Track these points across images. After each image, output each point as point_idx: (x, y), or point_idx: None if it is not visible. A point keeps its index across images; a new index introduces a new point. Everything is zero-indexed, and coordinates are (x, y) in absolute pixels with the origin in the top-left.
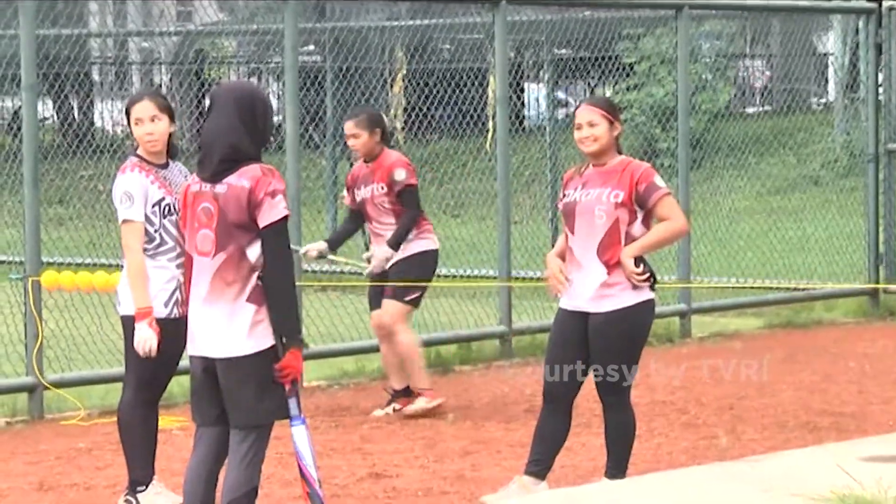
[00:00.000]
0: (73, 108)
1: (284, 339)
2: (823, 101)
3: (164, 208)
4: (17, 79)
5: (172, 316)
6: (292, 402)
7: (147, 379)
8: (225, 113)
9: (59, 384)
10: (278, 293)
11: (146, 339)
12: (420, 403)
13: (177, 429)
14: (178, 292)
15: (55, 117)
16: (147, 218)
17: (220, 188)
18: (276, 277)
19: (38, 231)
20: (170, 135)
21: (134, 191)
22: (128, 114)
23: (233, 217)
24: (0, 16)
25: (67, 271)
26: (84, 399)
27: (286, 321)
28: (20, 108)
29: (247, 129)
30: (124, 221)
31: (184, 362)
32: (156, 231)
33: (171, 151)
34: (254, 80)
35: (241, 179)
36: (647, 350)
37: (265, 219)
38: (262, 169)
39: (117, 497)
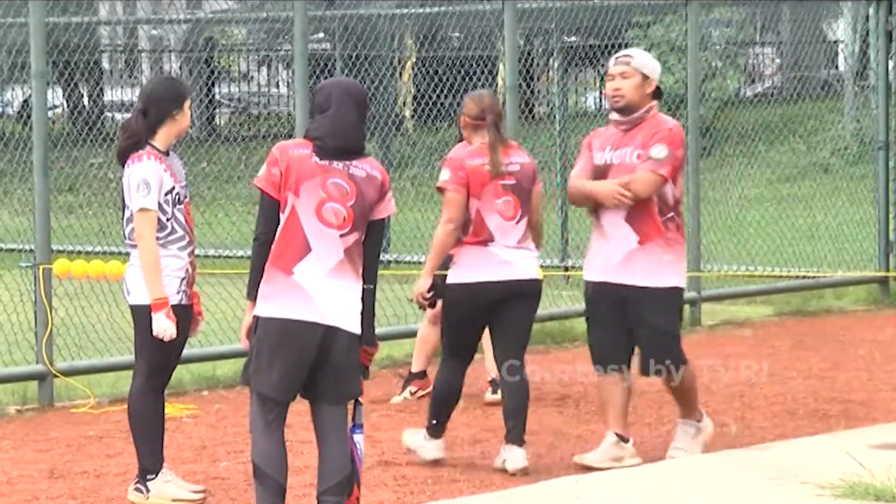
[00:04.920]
0: (82, 96)
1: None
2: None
3: (175, 197)
4: (26, 67)
5: (182, 303)
6: (360, 411)
7: (158, 366)
8: (346, 110)
9: (69, 372)
10: (374, 283)
11: (166, 329)
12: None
13: (187, 416)
14: (185, 280)
15: (65, 105)
16: (160, 206)
17: (356, 171)
18: (375, 267)
19: (48, 219)
20: None
21: (151, 179)
22: None
23: (368, 202)
24: (10, 4)
25: (79, 260)
26: (94, 387)
27: (374, 310)
28: (30, 96)
29: (362, 126)
30: (141, 209)
31: (192, 350)
32: (168, 220)
33: None
34: (263, 68)
35: (372, 169)
36: None
37: (384, 211)
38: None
39: (127, 485)
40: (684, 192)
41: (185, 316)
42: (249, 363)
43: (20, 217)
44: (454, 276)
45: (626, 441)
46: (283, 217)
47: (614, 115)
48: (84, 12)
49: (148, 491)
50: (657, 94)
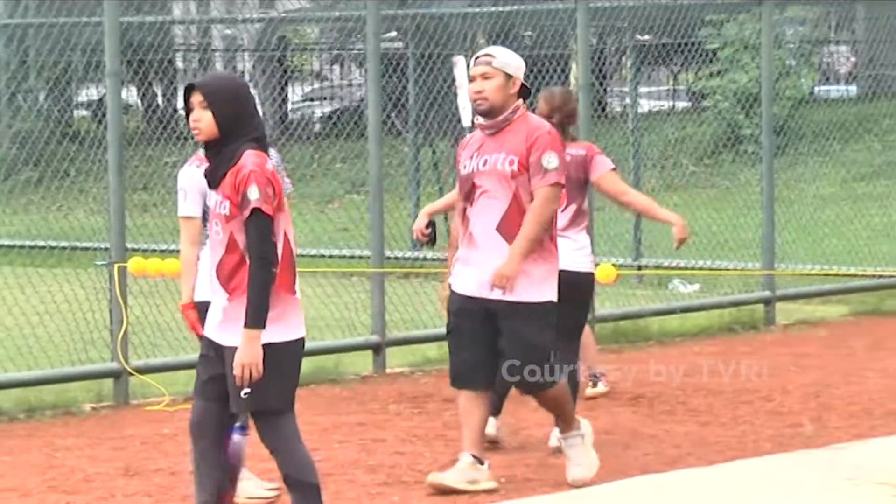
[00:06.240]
0: (156, 95)
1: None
2: None
3: None
4: (101, 66)
5: None
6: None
7: None
8: None
9: (144, 370)
10: None
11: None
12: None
13: None
14: None
15: (139, 104)
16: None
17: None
18: None
19: (123, 217)
20: None
21: (186, 186)
22: None
23: None
24: (85, 3)
25: (154, 258)
26: (169, 385)
27: None
28: (105, 95)
29: None
30: (180, 217)
31: None
32: None
33: None
34: (336, 66)
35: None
36: (731, 337)
37: None
38: None
39: None
40: (759, 190)
41: None
42: (269, 389)
43: (95, 216)
44: None
45: (482, 463)
46: (278, 237)
47: (479, 119)
48: (158, 12)
49: None
50: (524, 92)
